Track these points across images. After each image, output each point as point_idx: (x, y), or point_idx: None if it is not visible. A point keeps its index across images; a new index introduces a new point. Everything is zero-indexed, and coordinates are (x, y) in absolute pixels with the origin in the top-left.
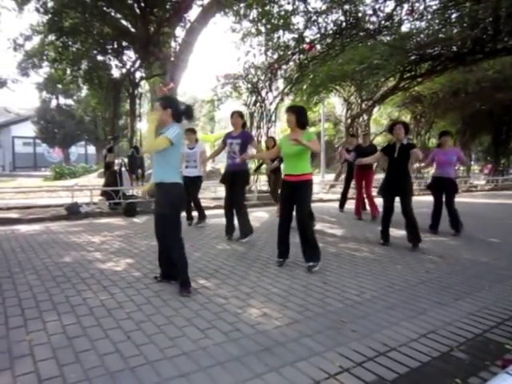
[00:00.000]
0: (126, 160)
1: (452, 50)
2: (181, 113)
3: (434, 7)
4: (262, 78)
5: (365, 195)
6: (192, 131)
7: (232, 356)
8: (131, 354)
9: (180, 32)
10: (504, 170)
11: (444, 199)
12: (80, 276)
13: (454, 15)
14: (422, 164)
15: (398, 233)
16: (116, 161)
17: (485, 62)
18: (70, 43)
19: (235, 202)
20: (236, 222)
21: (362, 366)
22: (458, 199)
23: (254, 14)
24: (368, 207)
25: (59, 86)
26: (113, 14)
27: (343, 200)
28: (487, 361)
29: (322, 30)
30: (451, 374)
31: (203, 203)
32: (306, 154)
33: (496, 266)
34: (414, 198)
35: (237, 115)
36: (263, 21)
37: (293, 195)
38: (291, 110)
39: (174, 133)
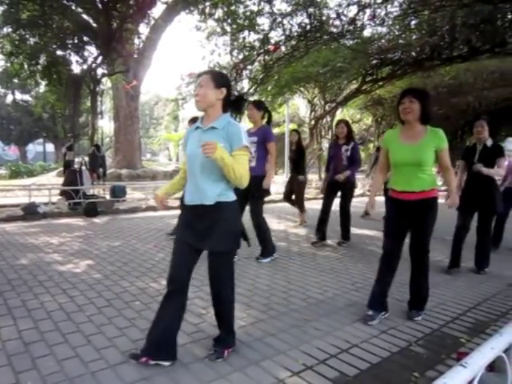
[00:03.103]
0: (86, 159)
1: (411, 55)
2: (230, 101)
3: (395, 13)
4: None
5: None
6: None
7: (196, 357)
8: (92, 359)
9: (144, 29)
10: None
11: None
12: (37, 279)
13: (413, 22)
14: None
15: (359, 232)
16: (76, 159)
17: (442, 68)
18: (27, 36)
19: (251, 216)
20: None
21: (324, 363)
22: None
23: (219, 13)
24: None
25: (15, 80)
26: (73, 7)
27: None
28: (443, 354)
29: (287, 32)
30: (410, 368)
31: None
32: (429, 161)
33: None
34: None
35: (251, 106)
36: (229, 20)
37: (409, 219)
38: (412, 93)
39: (244, 136)
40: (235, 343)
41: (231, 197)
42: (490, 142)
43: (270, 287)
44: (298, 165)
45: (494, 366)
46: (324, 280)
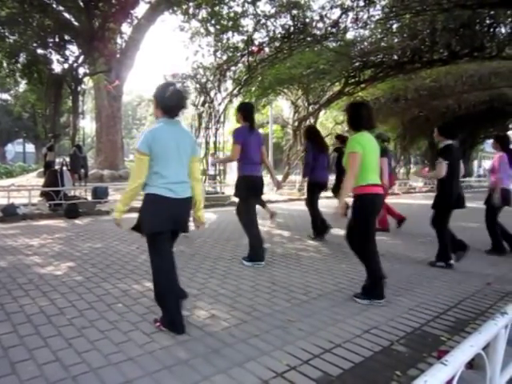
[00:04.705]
0: (67, 159)
1: (393, 58)
2: (164, 102)
3: (377, 17)
4: (211, 78)
5: None
6: None
7: (179, 359)
8: (73, 362)
9: (126, 28)
10: None
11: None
12: (17, 281)
13: (395, 25)
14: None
15: (341, 232)
16: (57, 160)
17: (423, 71)
18: (6, 34)
19: None
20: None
21: (308, 364)
22: (399, 200)
23: (203, 13)
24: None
25: None
26: (54, 5)
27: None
28: (425, 353)
29: (271, 34)
30: (392, 367)
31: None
32: (346, 164)
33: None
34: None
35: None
36: (212, 21)
37: None
38: (346, 107)
39: (140, 139)
40: (163, 322)
41: (145, 190)
42: (441, 145)
43: (254, 288)
44: None
45: (474, 364)
46: (308, 281)
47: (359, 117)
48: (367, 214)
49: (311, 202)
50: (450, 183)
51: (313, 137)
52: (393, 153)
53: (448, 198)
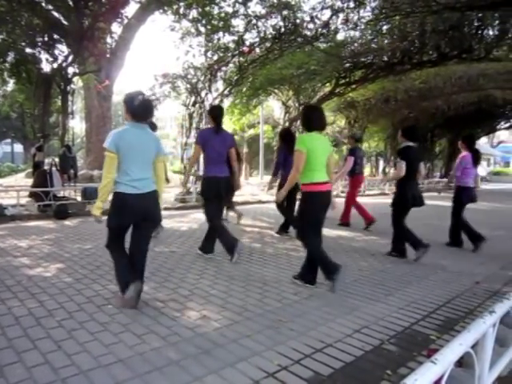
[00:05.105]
0: (56, 159)
1: (383, 59)
2: (133, 109)
3: (367, 18)
4: (202, 78)
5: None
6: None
7: (170, 360)
8: (62, 365)
9: (116, 28)
10: (428, 173)
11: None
12: (5, 283)
13: (385, 27)
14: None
15: (332, 232)
16: (46, 160)
17: (412, 73)
18: None
19: None
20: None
21: (299, 363)
22: (389, 200)
23: (193, 13)
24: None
25: None
26: (43, 4)
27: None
28: (415, 352)
29: (262, 34)
30: (382, 366)
31: None
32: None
33: (422, 263)
34: None
35: None
36: (203, 21)
37: None
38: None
39: (109, 139)
40: (123, 292)
41: (115, 187)
42: (400, 146)
43: (245, 289)
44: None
45: (463, 362)
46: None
47: (311, 119)
48: (314, 209)
49: (287, 202)
50: (406, 184)
51: (287, 138)
52: (384, 152)
53: (404, 197)
